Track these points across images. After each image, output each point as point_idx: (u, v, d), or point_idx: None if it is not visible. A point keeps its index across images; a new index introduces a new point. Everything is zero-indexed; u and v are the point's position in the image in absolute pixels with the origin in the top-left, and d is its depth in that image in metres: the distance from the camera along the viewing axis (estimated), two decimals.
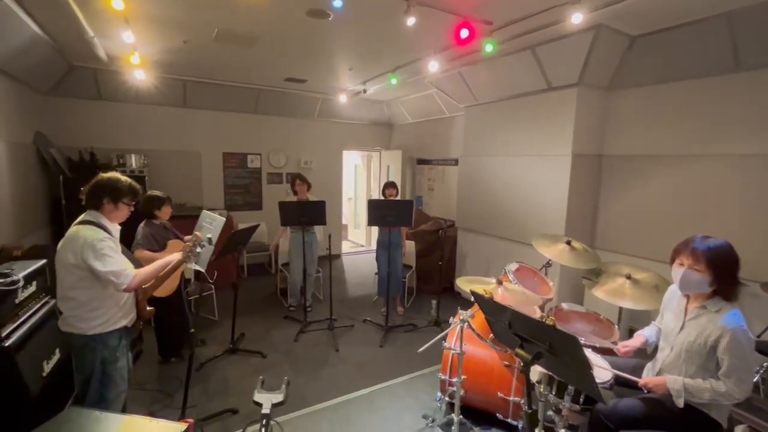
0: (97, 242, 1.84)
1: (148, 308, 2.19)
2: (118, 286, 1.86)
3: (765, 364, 2.61)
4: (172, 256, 2.14)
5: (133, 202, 2.10)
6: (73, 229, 1.90)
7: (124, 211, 2.07)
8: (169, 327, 3.31)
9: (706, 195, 3.17)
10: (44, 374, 2.18)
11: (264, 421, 1.55)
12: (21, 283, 2.23)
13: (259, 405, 1.68)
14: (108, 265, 1.83)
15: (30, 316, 2.25)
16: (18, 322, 2.15)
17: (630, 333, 3.67)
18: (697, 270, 1.70)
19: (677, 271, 1.78)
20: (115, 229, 2.07)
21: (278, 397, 1.72)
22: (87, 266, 1.82)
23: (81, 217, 1.97)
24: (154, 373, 3.21)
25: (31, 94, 4.23)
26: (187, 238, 2.79)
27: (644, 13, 2.86)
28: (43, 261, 2.52)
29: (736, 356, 1.60)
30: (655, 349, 2.03)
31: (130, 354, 2.14)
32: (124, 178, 2.05)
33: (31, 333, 2.15)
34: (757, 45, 2.77)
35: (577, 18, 2.65)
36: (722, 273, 1.68)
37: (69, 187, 4.27)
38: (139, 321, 2.17)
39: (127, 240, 3.01)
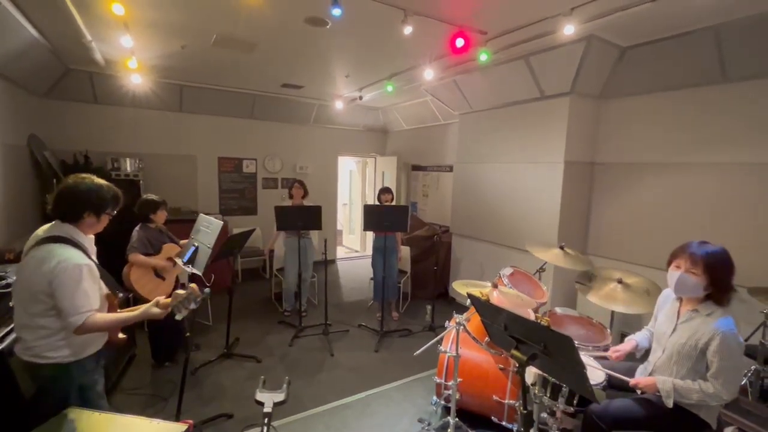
0: (73, 267, 1.55)
1: (120, 335, 1.88)
2: (69, 324, 1.55)
3: (753, 367, 2.66)
4: (135, 313, 1.73)
5: (115, 210, 1.82)
6: (44, 248, 1.58)
7: (105, 222, 1.79)
8: (163, 331, 3.28)
9: (695, 202, 3.25)
10: None
11: (266, 420, 1.55)
12: None
13: (261, 404, 1.68)
14: (67, 298, 1.53)
15: None
16: (10, 327, 2.13)
17: (621, 337, 3.72)
18: (694, 274, 1.75)
19: (673, 274, 1.82)
20: (90, 242, 1.78)
21: (280, 397, 1.72)
22: (52, 292, 1.54)
23: (50, 230, 1.65)
24: (148, 377, 3.18)
25: (26, 97, 4.21)
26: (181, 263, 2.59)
27: (634, 25, 2.95)
28: None
29: (725, 359, 1.65)
30: (647, 351, 2.08)
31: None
32: (104, 183, 1.76)
33: None
34: (743, 57, 2.87)
35: (568, 29, 2.73)
36: (718, 278, 1.72)
37: None
38: (109, 344, 1.90)
39: (122, 244, 3.02)
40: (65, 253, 1.57)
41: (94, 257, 1.78)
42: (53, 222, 1.69)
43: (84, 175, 1.76)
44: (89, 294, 1.60)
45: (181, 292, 1.72)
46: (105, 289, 1.81)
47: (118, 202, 1.80)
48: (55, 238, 1.61)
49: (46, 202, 1.71)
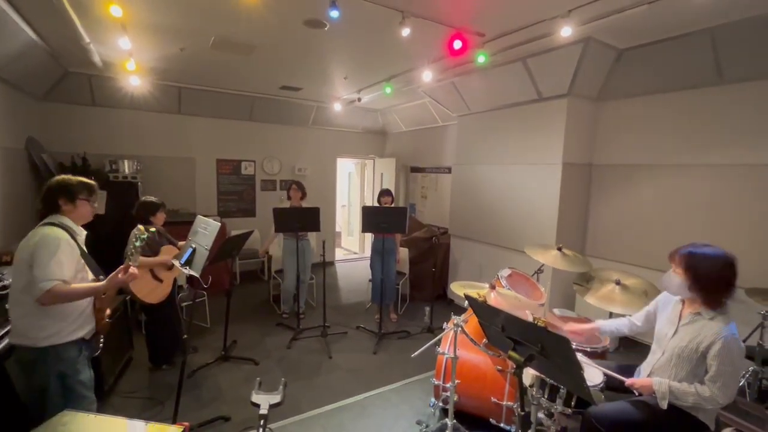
0: (52, 239, 1.72)
1: (105, 320, 2.01)
2: (37, 290, 1.66)
3: (751, 368, 2.67)
4: (102, 283, 1.88)
5: (92, 197, 1.97)
6: (34, 230, 1.79)
7: (85, 208, 1.94)
8: (161, 334, 3.28)
9: (692, 203, 3.26)
10: None
11: (262, 422, 1.55)
12: None
13: (257, 406, 1.67)
14: (41, 265, 1.67)
15: None
16: (8, 328, 2.12)
17: (619, 338, 3.72)
18: (677, 273, 1.77)
19: (666, 272, 1.85)
20: (81, 231, 1.95)
21: (276, 398, 1.72)
22: (32, 262, 1.69)
23: (44, 220, 1.86)
24: (145, 380, 3.17)
25: (24, 99, 4.21)
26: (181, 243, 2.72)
27: (631, 27, 2.97)
28: None
29: (725, 363, 1.64)
30: (646, 351, 2.08)
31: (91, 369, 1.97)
32: (73, 177, 1.94)
33: None
34: (739, 59, 2.89)
35: (566, 31, 2.74)
36: (699, 280, 1.72)
37: None
38: (98, 335, 2.00)
39: (121, 245, 3.01)
40: (49, 230, 1.76)
41: (81, 243, 1.91)
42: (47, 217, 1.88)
43: (58, 176, 1.95)
44: (63, 265, 1.73)
45: (132, 239, 1.88)
46: (90, 275, 1.93)
47: (88, 188, 1.95)
48: (45, 222, 1.83)
49: (38, 209, 1.88)
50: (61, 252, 1.73)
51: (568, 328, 2.19)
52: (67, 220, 1.87)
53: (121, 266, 1.86)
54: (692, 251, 1.76)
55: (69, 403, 1.79)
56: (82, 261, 1.88)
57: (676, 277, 1.78)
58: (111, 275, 1.86)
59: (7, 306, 1.83)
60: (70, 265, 1.77)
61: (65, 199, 1.87)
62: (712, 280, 1.72)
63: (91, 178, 2.01)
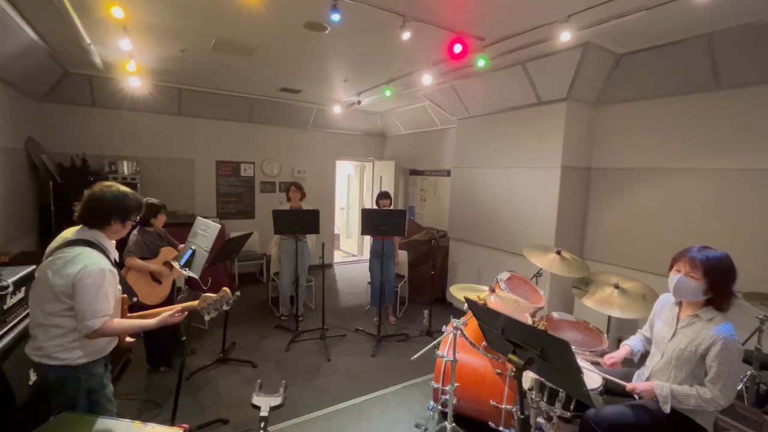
0: (97, 272, 1.59)
1: (128, 339, 1.92)
2: (85, 327, 1.57)
3: (749, 372, 2.67)
4: (152, 321, 1.79)
5: (138, 217, 1.90)
6: (72, 250, 1.62)
7: (128, 228, 1.87)
8: (159, 335, 3.23)
9: (690, 208, 3.27)
10: (30, 383, 2.14)
11: (262, 424, 1.54)
12: (10, 289, 2.21)
13: (257, 408, 1.67)
14: (85, 301, 1.56)
15: (18, 323, 2.22)
16: (5, 329, 2.12)
17: (618, 342, 3.72)
18: (693, 278, 1.76)
19: (673, 278, 1.83)
20: (113, 247, 1.85)
21: (276, 401, 1.72)
22: (74, 294, 1.58)
23: (77, 235, 1.70)
24: (143, 382, 3.15)
25: (24, 100, 4.20)
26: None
27: (629, 32, 2.99)
28: (33, 267, 2.47)
29: (724, 364, 1.65)
30: (644, 356, 2.08)
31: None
32: (129, 192, 1.82)
33: (19, 340, 2.11)
34: (736, 65, 2.91)
35: (565, 36, 2.75)
36: (718, 283, 1.73)
37: (59, 193, 4.22)
38: (117, 347, 1.94)
39: (120, 246, 3.00)
40: (92, 257, 1.62)
41: (117, 257, 1.85)
42: (80, 226, 1.74)
43: (109, 183, 1.81)
44: (109, 299, 1.64)
45: (211, 295, 1.83)
46: (120, 293, 1.85)
47: (141, 209, 1.89)
48: (83, 241, 1.67)
49: (73, 210, 1.75)
50: (107, 283, 1.63)
51: (607, 362, 2.13)
52: (104, 239, 1.74)
53: (178, 307, 1.82)
54: (709, 256, 1.75)
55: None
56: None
57: (692, 282, 1.76)
58: (164, 315, 1.80)
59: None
60: (113, 296, 1.69)
61: (117, 219, 1.75)
62: (728, 283, 1.73)
63: (89, 180, 1.97)
